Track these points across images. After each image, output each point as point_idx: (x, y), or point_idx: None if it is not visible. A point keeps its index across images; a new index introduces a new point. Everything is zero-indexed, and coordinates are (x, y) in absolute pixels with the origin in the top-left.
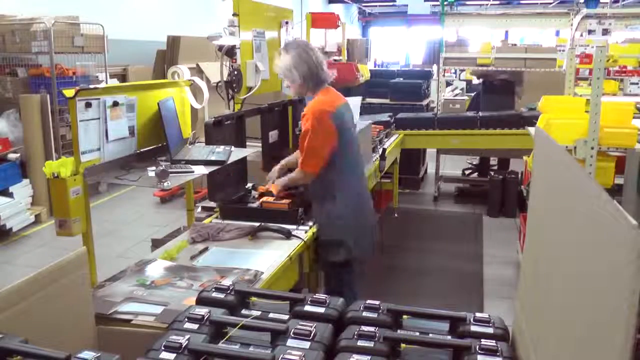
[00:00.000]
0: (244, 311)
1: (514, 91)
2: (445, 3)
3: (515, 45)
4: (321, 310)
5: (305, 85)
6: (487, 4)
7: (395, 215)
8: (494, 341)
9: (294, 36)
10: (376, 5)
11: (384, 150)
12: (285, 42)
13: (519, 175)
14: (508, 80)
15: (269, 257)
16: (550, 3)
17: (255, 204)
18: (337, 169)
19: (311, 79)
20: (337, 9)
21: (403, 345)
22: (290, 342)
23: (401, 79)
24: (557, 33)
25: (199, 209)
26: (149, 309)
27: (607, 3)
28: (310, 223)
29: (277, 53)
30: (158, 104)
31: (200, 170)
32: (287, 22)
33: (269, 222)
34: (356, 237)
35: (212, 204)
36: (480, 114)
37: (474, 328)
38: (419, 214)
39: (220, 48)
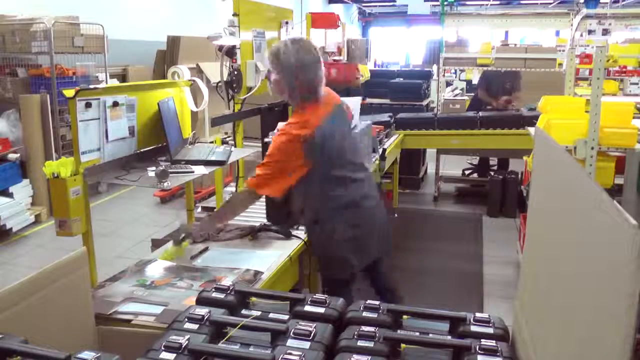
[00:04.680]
0: (244, 311)
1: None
2: (445, 3)
3: (515, 45)
4: (321, 310)
5: (293, 95)
6: (487, 4)
7: (395, 215)
8: (494, 341)
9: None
10: (376, 5)
11: (384, 150)
12: (295, 37)
13: (519, 175)
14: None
15: (269, 257)
16: (550, 3)
17: None
18: (319, 186)
19: (307, 92)
20: (337, 9)
21: (403, 345)
22: (290, 342)
23: (401, 79)
24: (557, 33)
25: (199, 209)
26: (149, 309)
27: (607, 3)
28: None
29: (282, 44)
30: (158, 104)
31: (200, 170)
32: (287, 22)
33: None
34: (358, 247)
35: (212, 204)
36: (481, 114)
37: (474, 328)
38: (419, 214)
39: (220, 48)
